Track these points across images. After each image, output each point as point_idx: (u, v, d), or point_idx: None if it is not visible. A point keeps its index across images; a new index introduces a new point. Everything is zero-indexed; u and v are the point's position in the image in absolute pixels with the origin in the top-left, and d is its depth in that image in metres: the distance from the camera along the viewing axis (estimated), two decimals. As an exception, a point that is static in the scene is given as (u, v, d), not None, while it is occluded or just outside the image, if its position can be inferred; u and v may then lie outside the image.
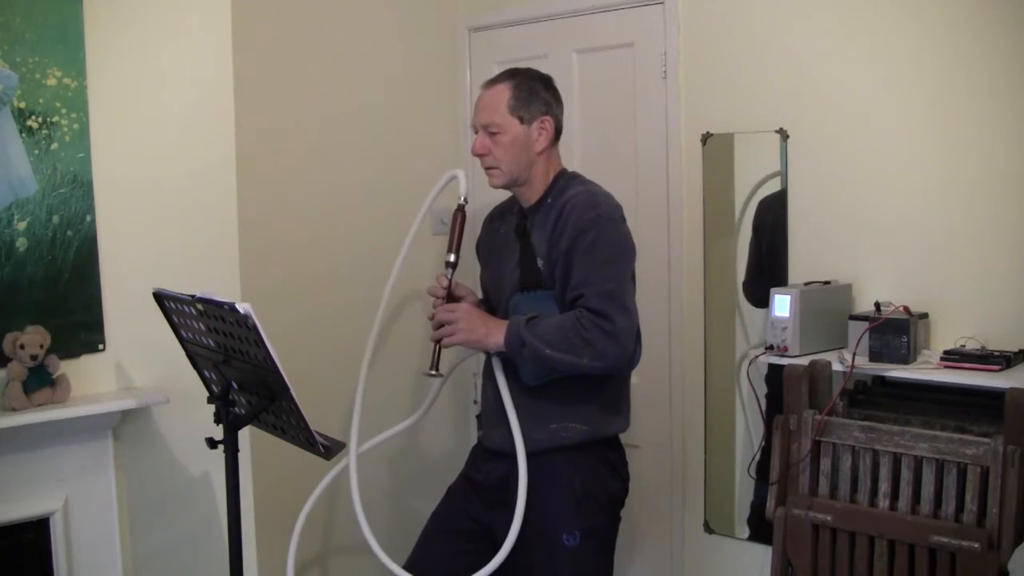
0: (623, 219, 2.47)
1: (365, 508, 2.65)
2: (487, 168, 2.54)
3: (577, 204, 2.43)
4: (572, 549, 2.44)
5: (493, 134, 2.50)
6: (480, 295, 2.74)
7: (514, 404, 2.48)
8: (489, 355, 2.56)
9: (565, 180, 2.54)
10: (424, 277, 3.28)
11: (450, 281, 2.57)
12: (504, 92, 2.50)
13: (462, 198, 2.63)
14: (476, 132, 2.55)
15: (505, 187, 2.56)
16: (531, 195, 2.55)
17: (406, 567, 2.57)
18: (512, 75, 2.55)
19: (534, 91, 2.51)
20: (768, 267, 3.07)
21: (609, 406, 2.52)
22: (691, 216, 3.23)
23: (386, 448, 3.26)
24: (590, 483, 2.48)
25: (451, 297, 2.57)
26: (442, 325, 2.50)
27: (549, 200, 2.51)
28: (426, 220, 3.62)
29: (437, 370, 2.56)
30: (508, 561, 2.44)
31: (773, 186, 3.06)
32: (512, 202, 2.65)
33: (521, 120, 2.49)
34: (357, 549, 3.53)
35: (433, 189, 2.81)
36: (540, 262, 2.48)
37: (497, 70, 3.44)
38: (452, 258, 2.57)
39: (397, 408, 3.41)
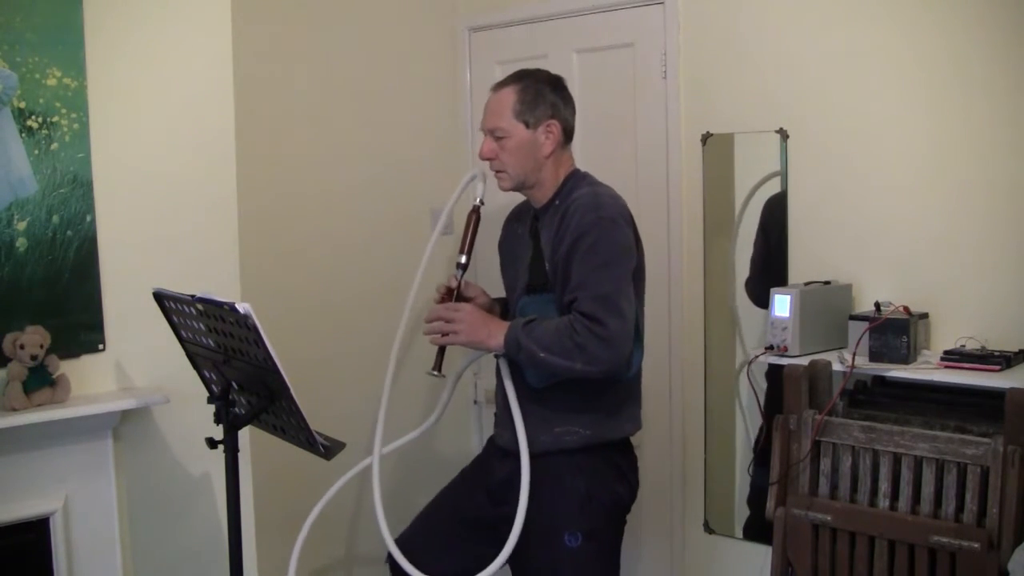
0: (628, 222, 2.45)
1: (370, 508, 2.63)
2: (495, 172, 2.53)
3: (580, 206, 2.42)
4: (574, 550, 2.44)
5: (499, 138, 2.49)
6: (501, 295, 2.73)
7: (520, 407, 2.48)
8: (497, 357, 2.56)
9: (574, 181, 2.53)
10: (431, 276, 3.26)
11: (459, 282, 2.55)
12: (509, 96, 2.49)
13: (478, 199, 2.60)
14: (485, 135, 2.54)
15: (514, 190, 2.55)
16: (542, 197, 2.54)
17: (402, 538, 2.56)
18: (519, 78, 2.53)
19: (540, 94, 2.49)
20: (775, 265, 3.06)
21: (614, 410, 2.51)
22: (691, 216, 3.23)
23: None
24: (594, 485, 2.48)
25: (460, 298, 2.55)
26: (445, 323, 2.48)
27: (557, 202, 2.50)
28: (426, 219, 3.64)
29: (440, 370, 2.55)
30: (511, 559, 2.45)
31: (773, 186, 3.06)
32: (529, 203, 2.64)
33: (526, 125, 2.48)
34: (356, 548, 3.55)
35: (456, 189, 2.75)
36: (547, 264, 2.48)
37: (497, 70, 3.45)
38: (463, 260, 2.55)
39: (405, 410, 3.40)
